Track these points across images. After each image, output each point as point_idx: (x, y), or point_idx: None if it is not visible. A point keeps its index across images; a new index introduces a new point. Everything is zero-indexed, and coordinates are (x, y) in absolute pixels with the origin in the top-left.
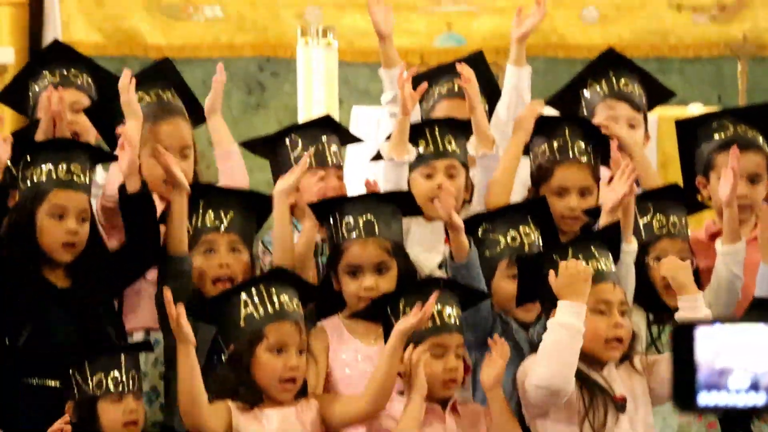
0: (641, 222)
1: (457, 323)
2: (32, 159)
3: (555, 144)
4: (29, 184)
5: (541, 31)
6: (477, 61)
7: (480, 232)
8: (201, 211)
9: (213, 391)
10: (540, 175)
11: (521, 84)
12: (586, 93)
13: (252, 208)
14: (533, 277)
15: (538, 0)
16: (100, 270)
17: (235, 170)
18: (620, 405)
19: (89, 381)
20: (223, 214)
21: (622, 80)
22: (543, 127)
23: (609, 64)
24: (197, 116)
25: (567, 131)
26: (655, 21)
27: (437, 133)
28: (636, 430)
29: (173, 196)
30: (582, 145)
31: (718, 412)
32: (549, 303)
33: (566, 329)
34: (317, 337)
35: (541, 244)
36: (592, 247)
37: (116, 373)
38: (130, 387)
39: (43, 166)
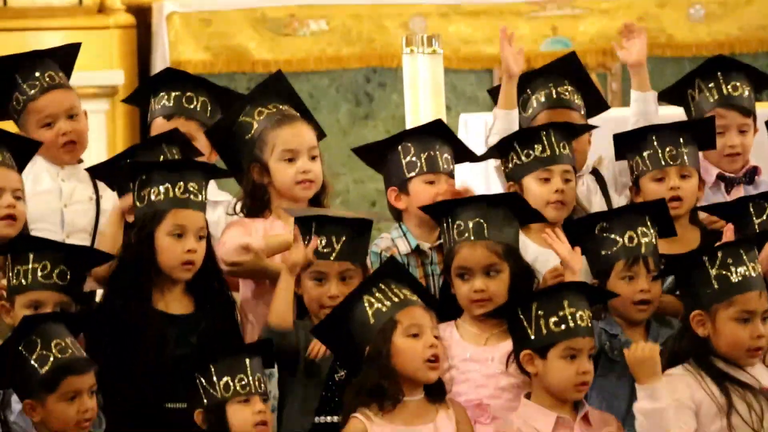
0: (757, 221)
1: (589, 325)
2: (148, 178)
3: (645, 154)
4: (146, 203)
5: (648, 30)
6: (571, 62)
7: (597, 230)
8: (310, 234)
9: (353, 400)
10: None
11: (648, 108)
12: (697, 97)
13: (364, 232)
14: (683, 278)
15: (626, 31)
16: (219, 288)
17: None
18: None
19: (216, 385)
20: (334, 240)
21: (732, 84)
22: (630, 143)
23: (717, 67)
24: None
25: (654, 139)
26: (763, 16)
27: (553, 137)
28: None
29: (282, 273)
30: (671, 150)
31: None
32: (691, 306)
33: (647, 415)
34: None
35: (657, 244)
36: (741, 252)
37: (242, 376)
38: (257, 389)
39: (160, 186)
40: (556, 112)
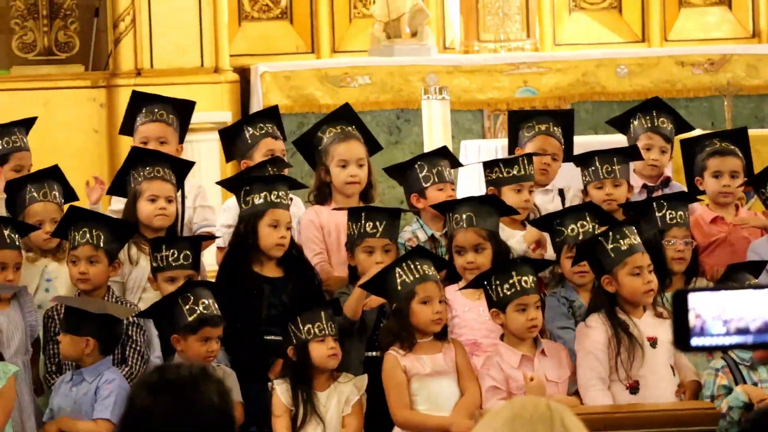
0: (657, 215)
1: (533, 286)
2: (250, 188)
3: (590, 170)
4: (250, 206)
5: (588, 83)
6: (567, 116)
7: (554, 224)
8: (363, 221)
9: (384, 340)
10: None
11: None
12: (635, 123)
13: (396, 218)
14: (591, 257)
15: None
16: (301, 262)
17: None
18: (652, 343)
19: (302, 330)
20: (378, 224)
21: (661, 119)
22: (581, 161)
23: (653, 106)
24: (372, 145)
25: (596, 159)
26: (667, 73)
27: (525, 162)
28: (661, 364)
29: (357, 288)
30: (607, 167)
31: (706, 350)
32: (601, 273)
33: None
34: None
35: (595, 230)
36: (625, 229)
37: (319, 323)
38: (330, 331)
39: (260, 193)
40: (545, 138)
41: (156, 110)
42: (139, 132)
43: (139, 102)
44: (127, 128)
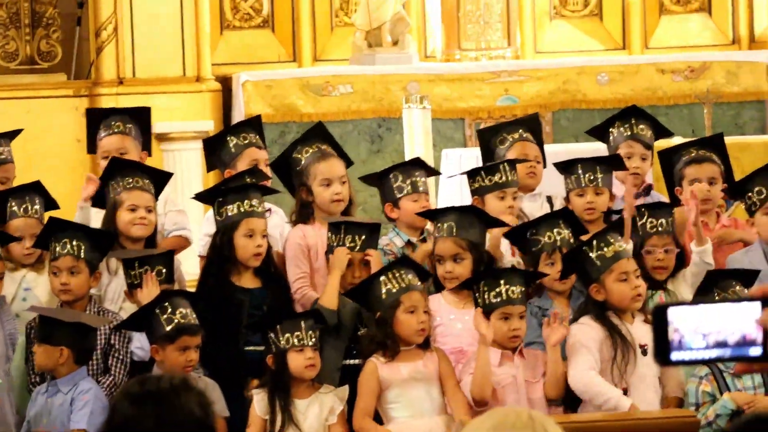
0: (638, 223)
1: (520, 296)
2: (224, 199)
3: (573, 177)
4: (224, 217)
5: (569, 91)
6: (533, 121)
7: (528, 234)
8: (342, 234)
9: (366, 348)
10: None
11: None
12: (615, 132)
13: (375, 231)
14: (578, 268)
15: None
16: (276, 274)
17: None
18: (643, 350)
19: (281, 339)
20: (357, 238)
21: (640, 126)
22: (564, 168)
23: (632, 114)
24: (346, 160)
25: (579, 167)
26: (647, 81)
27: (507, 169)
28: (649, 372)
29: (335, 272)
30: (590, 175)
31: (686, 364)
32: (588, 282)
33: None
34: None
35: (570, 237)
36: (608, 237)
37: (298, 333)
38: (309, 342)
39: (233, 203)
40: (523, 144)
41: (113, 123)
42: (100, 147)
43: (96, 118)
44: (93, 146)
